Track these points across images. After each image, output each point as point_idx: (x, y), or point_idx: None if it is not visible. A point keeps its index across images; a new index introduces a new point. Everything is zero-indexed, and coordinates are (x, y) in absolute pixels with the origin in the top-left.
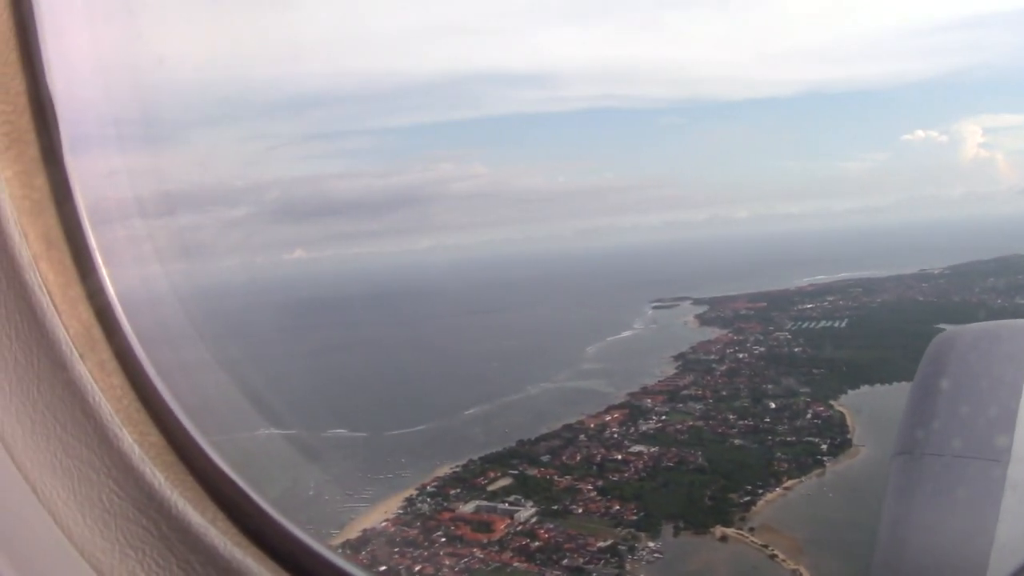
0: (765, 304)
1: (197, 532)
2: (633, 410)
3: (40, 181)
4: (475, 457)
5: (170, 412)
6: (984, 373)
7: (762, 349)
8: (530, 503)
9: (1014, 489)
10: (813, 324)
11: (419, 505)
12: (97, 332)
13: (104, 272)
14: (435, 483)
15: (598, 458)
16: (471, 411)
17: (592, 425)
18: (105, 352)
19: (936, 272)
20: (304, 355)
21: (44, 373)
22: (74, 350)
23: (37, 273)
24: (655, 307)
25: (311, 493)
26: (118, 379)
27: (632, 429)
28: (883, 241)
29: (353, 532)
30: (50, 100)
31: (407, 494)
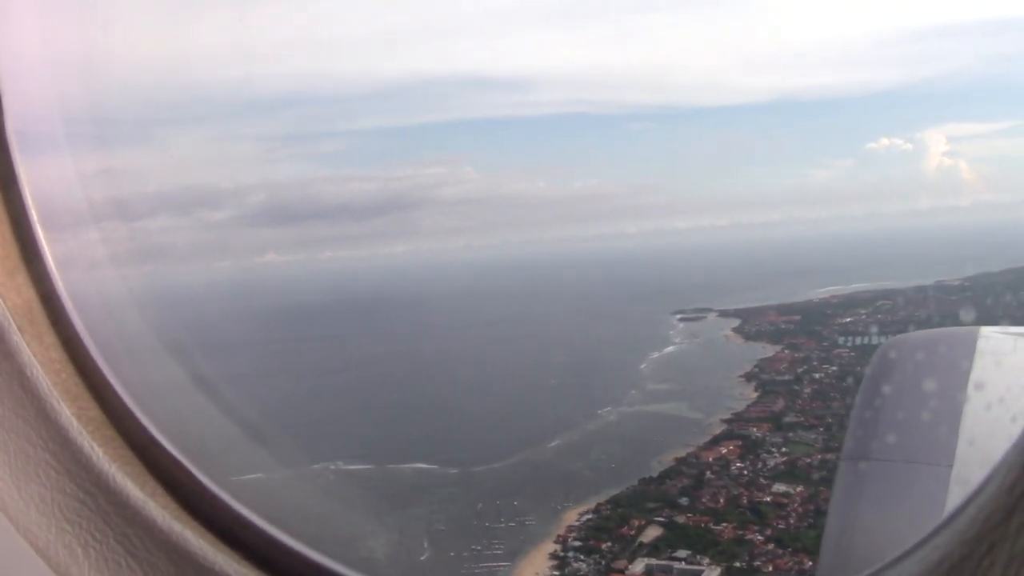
0: (799, 317)
1: (135, 506)
2: (745, 440)
3: None
4: (603, 500)
5: (109, 386)
6: (927, 380)
7: (834, 368)
8: (706, 560)
9: (957, 493)
10: (867, 340)
11: (574, 564)
12: (36, 305)
13: (47, 249)
14: (572, 533)
15: (744, 500)
16: (555, 442)
17: (711, 459)
18: (44, 325)
19: (956, 284)
20: (327, 373)
21: None
22: (12, 322)
23: None
24: (681, 319)
25: (426, 556)
26: (57, 353)
27: (759, 464)
28: (874, 250)
29: None
30: None
31: (547, 548)
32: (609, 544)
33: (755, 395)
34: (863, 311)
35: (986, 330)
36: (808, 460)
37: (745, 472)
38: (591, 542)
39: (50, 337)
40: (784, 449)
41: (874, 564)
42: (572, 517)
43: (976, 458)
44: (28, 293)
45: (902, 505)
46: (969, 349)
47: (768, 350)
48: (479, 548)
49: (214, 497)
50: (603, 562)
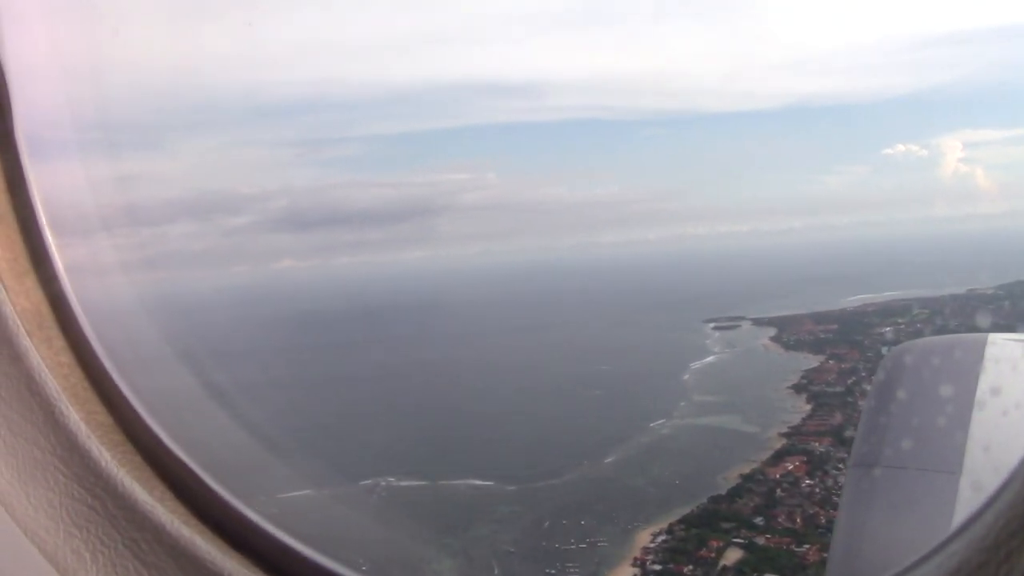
0: (837, 326)
1: (144, 511)
2: (810, 456)
3: None
4: (674, 519)
5: (118, 391)
6: (937, 386)
7: None
8: None
9: (966, 501)
10: None
11: None
12: (46, 310)
13: (56, 256)
14: (650, 556)
15: (822, 520)
16: (611, 457)
17: (777, 475)
18: (53, 329)
19: (990, 292)
20: (353, 382)
21: None
22: (21, 326)
23: None
24: (715, 328)
25: None
26: (66, 357)
27: (829, 481)
28: (896, 257)
29: None
30: (4, 85)
31: (624, 571)
32: (691, 568)
33: (808, 407)
34: (901, 320)
35: (994, 336)
36: None
37: (816, 490)
38: (671, 566)
39: (59, 341)
40: None
41: (883, 572)
42: (645, 538)
43: (991, 465)
44: (37, 297)
45: (910, 514)
46: (977, 355)
47: (811, 360)
48: (553, 572)
49: (223, 502)
50: None
